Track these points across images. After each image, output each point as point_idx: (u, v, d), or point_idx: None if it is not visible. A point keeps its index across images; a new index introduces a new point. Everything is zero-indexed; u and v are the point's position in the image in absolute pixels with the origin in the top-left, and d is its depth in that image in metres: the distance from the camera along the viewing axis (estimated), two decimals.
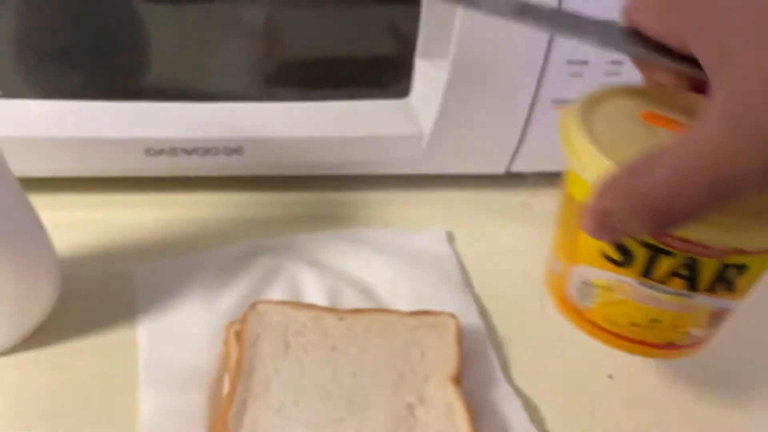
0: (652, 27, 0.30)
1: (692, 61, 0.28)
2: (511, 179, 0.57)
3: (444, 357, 0.38)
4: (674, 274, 0.31)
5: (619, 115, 0.33)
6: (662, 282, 0.31)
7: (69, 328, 0.42)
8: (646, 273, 0.31)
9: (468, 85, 0.47)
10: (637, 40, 0.31)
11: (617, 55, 0.47)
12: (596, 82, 0.48)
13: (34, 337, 0.41)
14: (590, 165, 0.30)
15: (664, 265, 0.31)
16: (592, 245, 0.32)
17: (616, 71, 0.48)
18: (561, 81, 0.48)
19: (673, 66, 0.30)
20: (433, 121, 0.49)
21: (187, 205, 0.53)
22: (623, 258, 0.32)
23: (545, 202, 0.56)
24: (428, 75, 0.48)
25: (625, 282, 0.32)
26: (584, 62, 0.47)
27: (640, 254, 0.31)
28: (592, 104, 0.34)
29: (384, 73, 0.50)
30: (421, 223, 0.53)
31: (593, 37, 0.32)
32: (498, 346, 0.43)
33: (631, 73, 0.47)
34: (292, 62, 0.49)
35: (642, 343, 0.34)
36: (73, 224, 0.49)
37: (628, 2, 0.32)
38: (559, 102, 0.49)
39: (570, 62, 0.47)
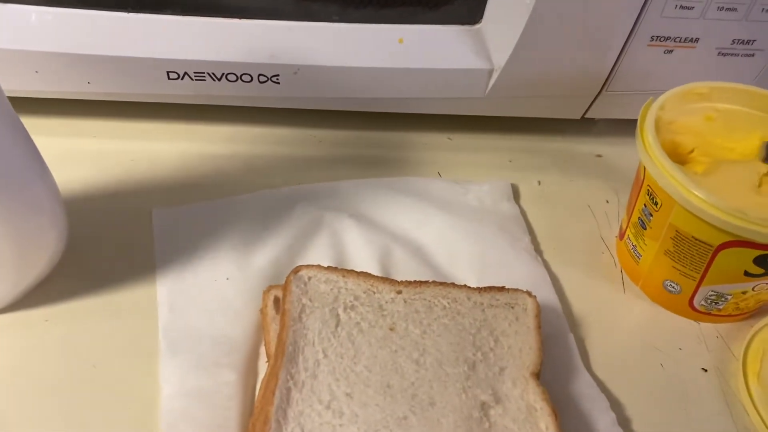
0: None
1: None
2: (583, 125, 0.50)
3: (521, 345, 0.33)
4: None
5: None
6: None
7: (77, 283, 0.38)
8: None
9: (556, 12, 0.40)
10: None
11: None
12: (706, 17, 0.41)
13: (37, 292, 0.36)
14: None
15: None
16: (733, 269, 0.35)
17: (732, 5, 0.40)
18: (666, 15, 0.40)
19: None
20: (507, 54, 0.42)
21: (216, 140, 0.47)
22: (764, 270, 0.35)
23: (622, 153, 0.49)
24: None
25: (761, 283, 0.36)
26: None
27: None
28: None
29: None
30: (481, 172, 0.47)
31: None
32: (573, 327, 0.37)
33: (753, 6, 0.40)
34: None
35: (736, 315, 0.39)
36: (81, 155, 0.44)
37: None
38: (658, 40, 0.42)
39: None
